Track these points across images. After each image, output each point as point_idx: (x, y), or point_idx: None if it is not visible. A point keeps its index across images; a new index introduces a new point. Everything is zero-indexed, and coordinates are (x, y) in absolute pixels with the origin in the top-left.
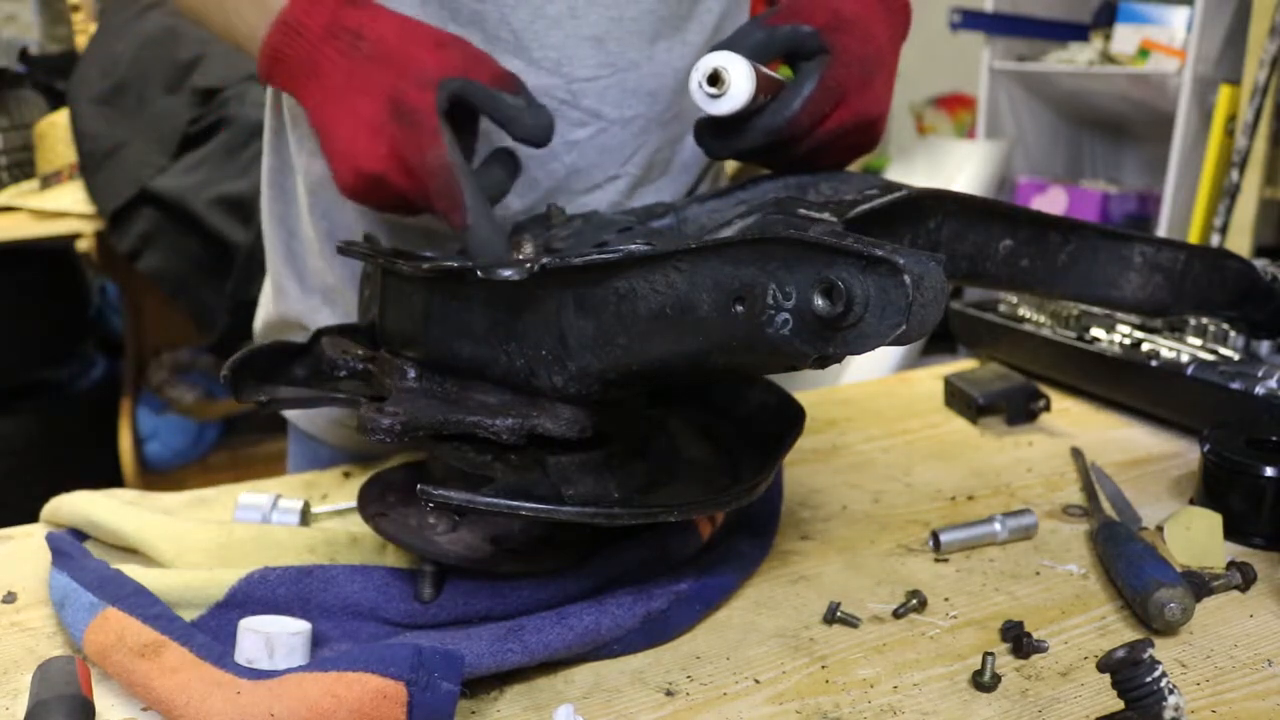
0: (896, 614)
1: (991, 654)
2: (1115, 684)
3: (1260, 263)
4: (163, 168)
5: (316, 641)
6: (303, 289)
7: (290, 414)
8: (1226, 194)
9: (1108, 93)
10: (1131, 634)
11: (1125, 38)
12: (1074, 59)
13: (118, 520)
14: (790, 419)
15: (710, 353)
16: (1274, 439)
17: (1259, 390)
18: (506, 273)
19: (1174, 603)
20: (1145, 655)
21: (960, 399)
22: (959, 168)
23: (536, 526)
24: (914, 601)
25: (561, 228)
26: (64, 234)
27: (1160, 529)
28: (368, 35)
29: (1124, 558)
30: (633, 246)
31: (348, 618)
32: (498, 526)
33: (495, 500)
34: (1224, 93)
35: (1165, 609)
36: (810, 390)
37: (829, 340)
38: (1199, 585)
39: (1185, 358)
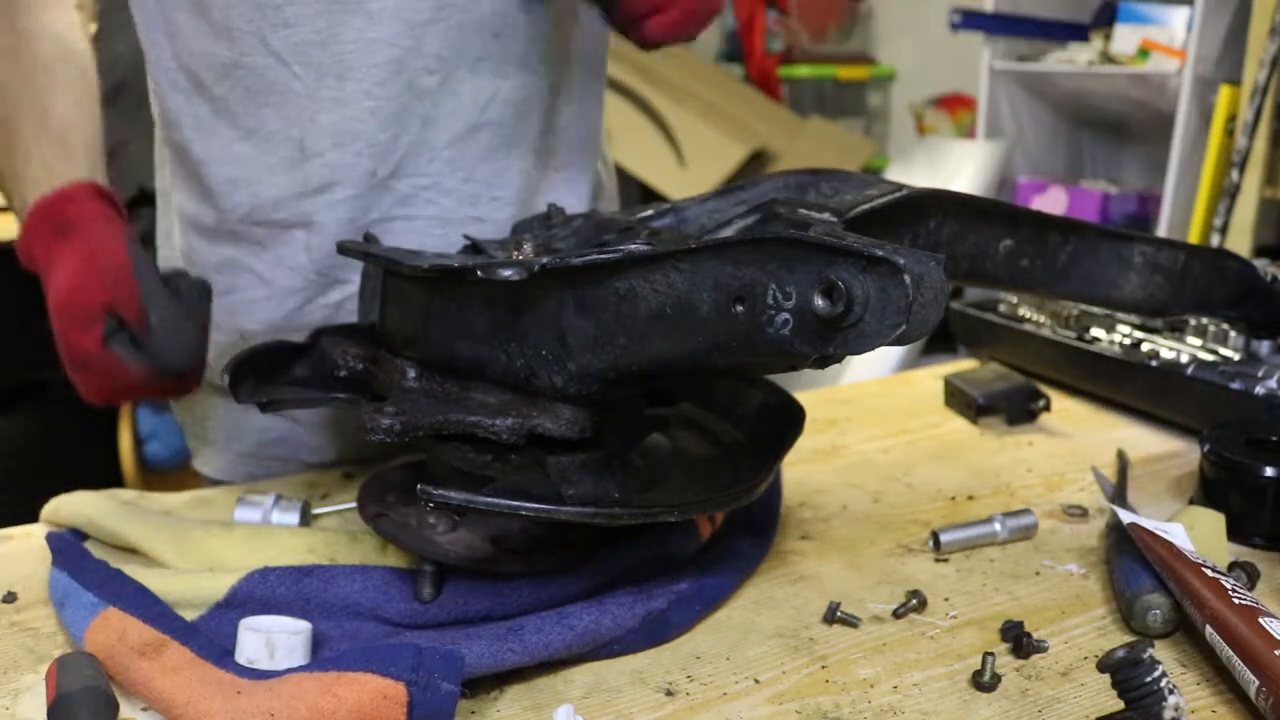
0: (896, 614)
1: (991, 654)
2: (1115, 684)
3: (1260, 263)
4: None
5: (316, 641)
6: None
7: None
8: (1226, 194)
9: (1108, 93)
10: (1131, 634)
11: (1125, 38)
12: (1074, 59)
13: (118, 520)
14: (790, 419)
15: (710, 353)
16: (1274, 439)
17: (1259, 390)
18: (507, 273)
19: (1156, 609)
20: (1145, 655)
21: (960, 399)
22: (959, 168)
23: (536, 526)
24: (914, 601)
25: (561, 227)
26: None
27: None
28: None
29: (1125, 558)
30: (633, 246)
31: (348, 618)
32: (498, 526)
33: (495, 500)
34: (1224, 93)
35: (1148, 615)
36: (810, 390)
37: (829, 340)
38: None
39: (1185, 358)
